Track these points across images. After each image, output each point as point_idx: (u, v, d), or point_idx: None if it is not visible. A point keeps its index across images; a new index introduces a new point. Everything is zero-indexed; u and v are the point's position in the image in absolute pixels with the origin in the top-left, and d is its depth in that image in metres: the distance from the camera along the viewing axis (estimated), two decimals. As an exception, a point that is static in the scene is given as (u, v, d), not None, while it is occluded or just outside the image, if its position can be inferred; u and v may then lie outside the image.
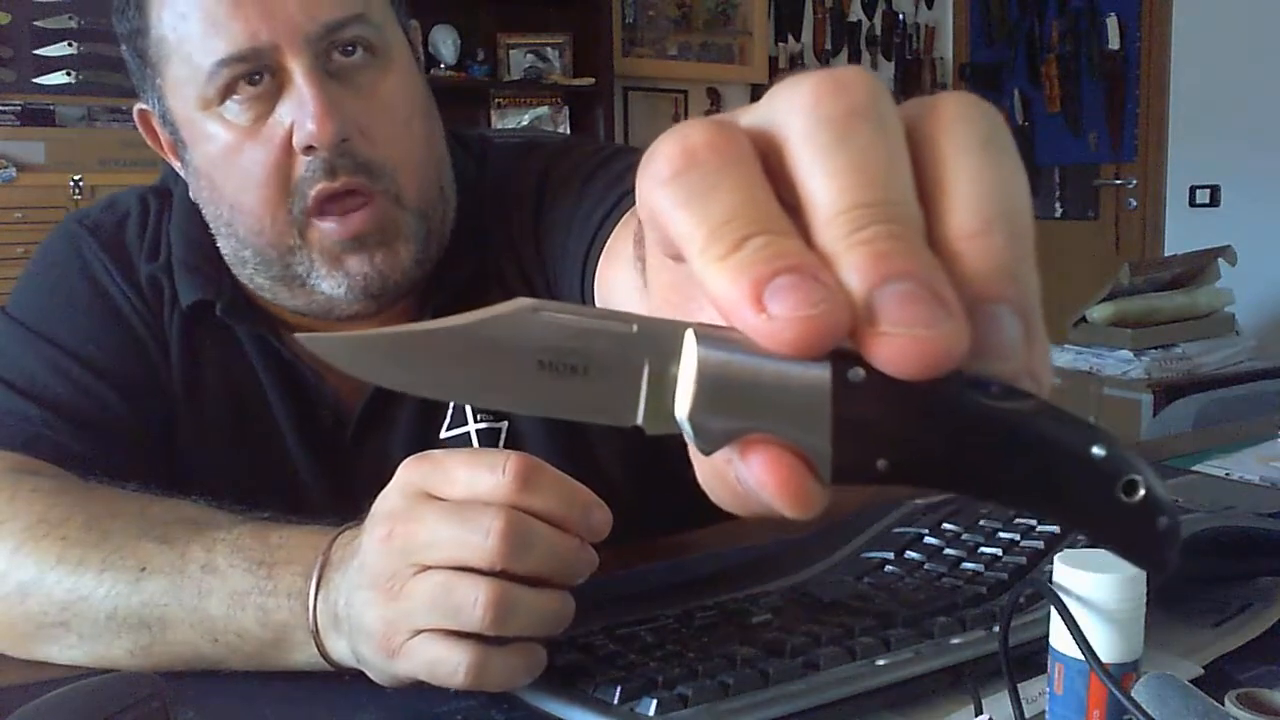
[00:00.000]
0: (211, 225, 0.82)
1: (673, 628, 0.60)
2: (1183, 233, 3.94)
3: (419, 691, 0.57)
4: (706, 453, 0.26)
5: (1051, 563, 0.51)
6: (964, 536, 0.71)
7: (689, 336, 0.26)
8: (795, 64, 4.39)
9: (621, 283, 0.61)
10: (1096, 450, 0.25)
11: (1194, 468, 1.05)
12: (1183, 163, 3.98)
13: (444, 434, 0.84)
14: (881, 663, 0.55)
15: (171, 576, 0.62)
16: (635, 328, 0.26)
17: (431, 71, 3.25)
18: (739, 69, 4.29)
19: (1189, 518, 0.66)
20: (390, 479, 0.57)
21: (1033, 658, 0.54)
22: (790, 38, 4.38)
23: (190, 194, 0.83)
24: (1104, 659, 0.47)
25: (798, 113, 0.26)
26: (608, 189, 0.80)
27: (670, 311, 0.29)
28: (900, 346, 0.24)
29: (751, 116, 0.27)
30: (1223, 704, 0.50)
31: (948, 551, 0.69)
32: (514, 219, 0.86)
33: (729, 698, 0.52)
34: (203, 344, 0.84)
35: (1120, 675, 0.48)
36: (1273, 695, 0.52)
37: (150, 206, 0.87)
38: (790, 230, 0.25)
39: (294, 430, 0.83)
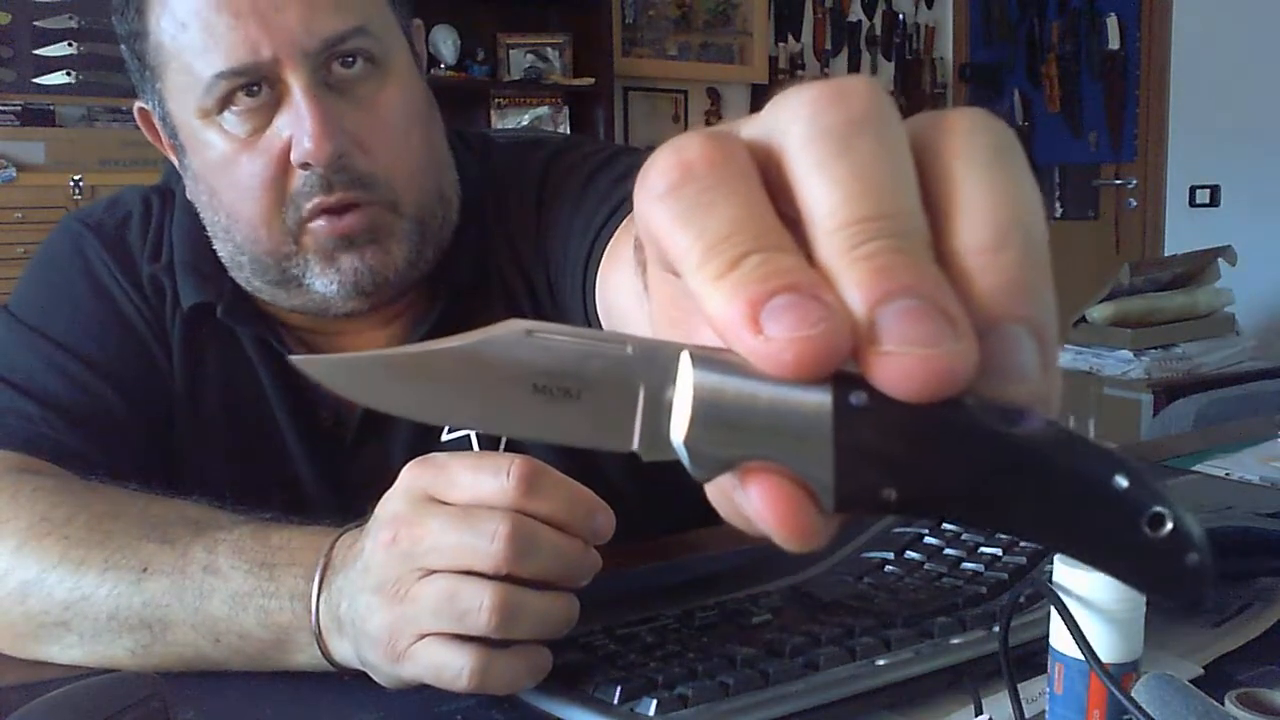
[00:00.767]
0: (209, 229, 0.82)
1: (673, 628, 0.60)
2: (1183, 233, 3.94)
3: (419, 691, 0.57)
4: (703, 480, 0.26)
5: (1051, 563, 0.51)
6: (964, 536, 0.71)
7: (684, 359, 0.25)
8: (795, 64, 4.39)
9: (623, 285, 0.61)
10: (1119, 480, 0.24)
11: (1194, 468, 1.05)
12: (1183, 163, 3.98)
13: (445, 437, 0.83)
14: (881, 663, 0.55)
15: (173, 577, 0.62)
16: (630, 349, 0.26)
17: (431, 71, 3.24)
18: (739, 69, 4.29)
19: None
20: (390, 481, 0.57)
21: (1033, 658, 0.54)
22: (790, 38, 4.38)
23: (189, 195, 0.83)
24: (1104, 659, 0.47)
25: (798, 122, 0.25)
26: (611, 189, 0.79)
27: (671, 325, 0.28)
28: (904, 366, 0.23)
29: (751, 127, 0.27)
30: (1223, 704, 0.50)
31: (948, 551, 0.69)
32: (514, 216, 0.86)
33: (729, 698, 0.52)
34: (204, 345, 0.83)
35: (1120, 675, 0.48)
36: (1273, 695, 0.52)
37: (153, 206, 0.87)
38: (789, 246, 0.24)
39: (294, 432, 0.83)
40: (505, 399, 0.26)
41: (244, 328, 0.83)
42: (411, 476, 0.56)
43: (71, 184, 2.86)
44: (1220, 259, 3.28)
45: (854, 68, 4.53)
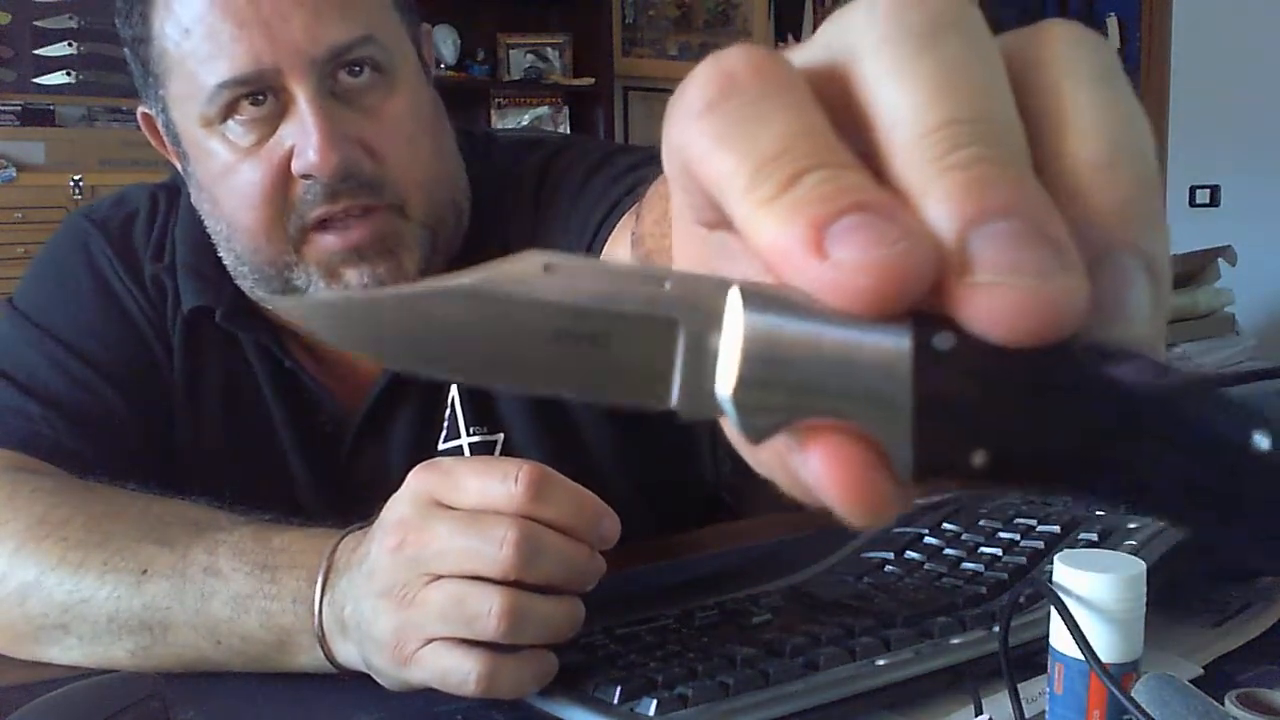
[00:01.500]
0: (213, 236, 0.81)
1: (673, 628, 0.60)
2: (1183, 233, 3.94)
3: (420, 692, 0.57)
4: (755, 442, 0.21)
5: (1051, 563, 0.51)
6: (964, 536, 0.70)
7: (733, 296, 0.21)
8: (795, 64, 4.39)
9: None
10: (1259, 440, 0.19)
11: (1194, 468, 1.05)
12: (1183, 163, 3.98)
13: (441, 445, 0.83)
14: (881, 663, 0.55)
15: (173, 579, 0.61)
16: (668, 285, 0.21)
17: (432, 72, 3.24)
18: (739, 69, 4.29)
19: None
20: (387, 488, 0.57)
21: (1033, 658, 0.54)
22: (790, 38, 4.38)
23: (193, 202, 0.82)
24: (1104, 659, 0.47)
25: (869, 28, 0.21)
26: (609, 185, 0.79)
27: None
28: (1003, 301, 0.19)
29: (808, 49, 0.22)
30: (1223, 704, 0.50)
31: (948, 551, 0.69)
32: (512, 216, 0.85)
33: (729, 698, 0.52)
34: (204, 347, 0.83)
35: (1120, 675, 0.48)
36: (1273, 695, 0.52)
37: (159, 204, 0.87)
38: (855, 163, 0.20)
39: (292, 437, 0.83)
40: (521, 347, 0.21)
41: (244, 333, 0.83)
42: (418, 480, 0.55)
43: (71, 184, 2.86)
44: (1220, 259, 3.28)
45: (854, 68, 4.53)
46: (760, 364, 0.20)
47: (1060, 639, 0.49)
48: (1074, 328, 0.19)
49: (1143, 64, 4.07)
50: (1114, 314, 0.20)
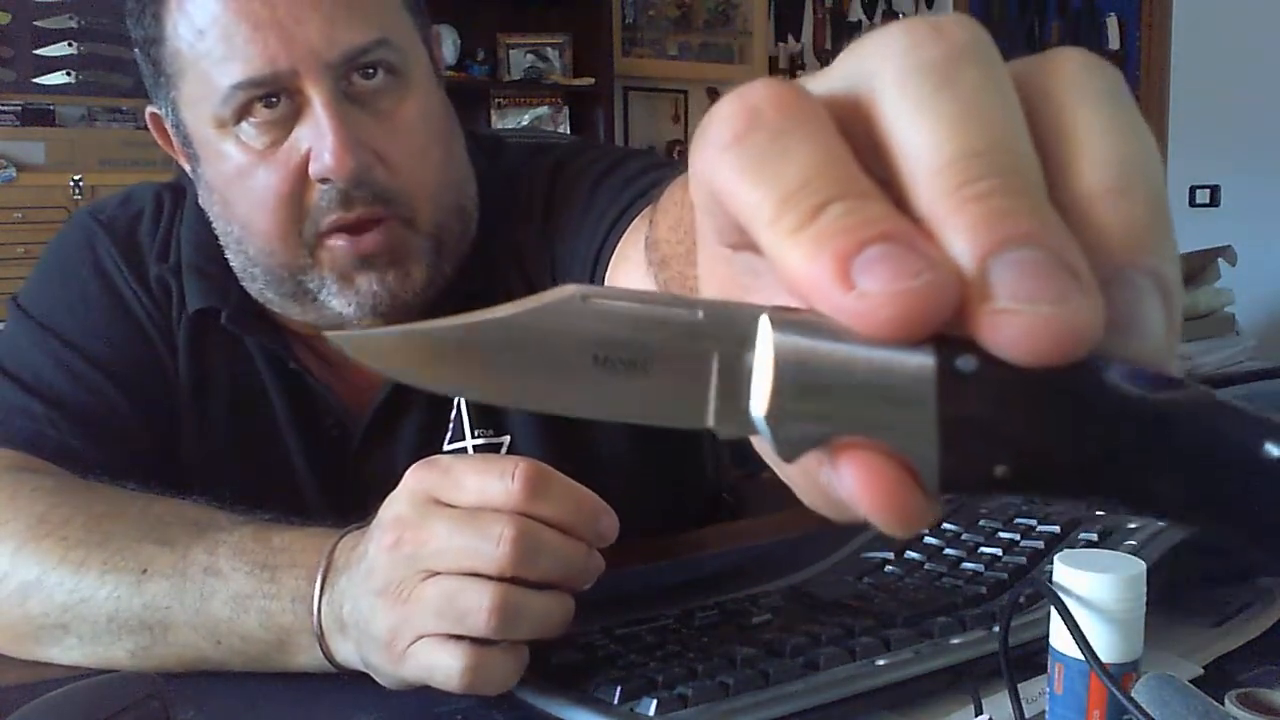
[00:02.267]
0: (221, 239, 0.80)
1: (673, 628, 0.60)
2: (1183, 233, 3.89)
3: (419, 691, 0.57)
4: (788, 459, 0.22)
5: (1051, 563, 0.51)
6: (964, 536, 0.70)
7: (764, 322, 0.22)
8: (795, 64, 4.39)
9: (633, 286, 0.61)
10: (1270, 449, 0.20)
11: (1194, 468, 1.05)
12: (1183, 163, 3.98)
13: (446, 447, 0.83)
14: (881, 663, 0.55)
15: (173, 579, 0.61)
16: (701, 314, 0.23)
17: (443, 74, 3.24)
18: (739, 69, 4.29)
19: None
20: (394, 490, 0.57)
21: (1033, 658, 0.54)
22: (790, 38, 4.38)
23: (200, 203, 0.82)
24: (1104, 659, 0.47)
25: (888, 60, 0.22)
26: (620, 191, 0.78)
27: None
28: (1024, 327, 0.20)
29: (826, 79, 0.24)
30: (1223, 704, 0.50)
31: (948, 551, 0.69)
32: (521, 223, 0.85)
33: (729, 698, 0.52)
34: (209, 349, 0.83)
35: (1120, 675, 0.48)
36: (1273, 695, 0.52)
37: (164, 204, 0.86)
38: (878, 194, 0.21)
39: (298, 440, 0.83)
40: (564, 373, 0.23)
41: (249, 336, 0.82)
42: (416, 479, 0.55)
43: (71, 184, 2.86)
44: (1220, 259, 3.28)
45: (854, 68, 4.53)
46: (792, 385, 0.22)
47: (1060, 639, 0.49)
48: (1090, 348, 0.20)
49: (1143, 64, 4.07)
50: (1127, 332, 0.21)
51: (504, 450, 0.83)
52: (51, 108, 2.99)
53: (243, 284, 0.81)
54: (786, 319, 0.22)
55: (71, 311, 0.82)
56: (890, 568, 0.69)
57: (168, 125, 0.80)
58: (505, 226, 0.85)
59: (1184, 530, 0.64)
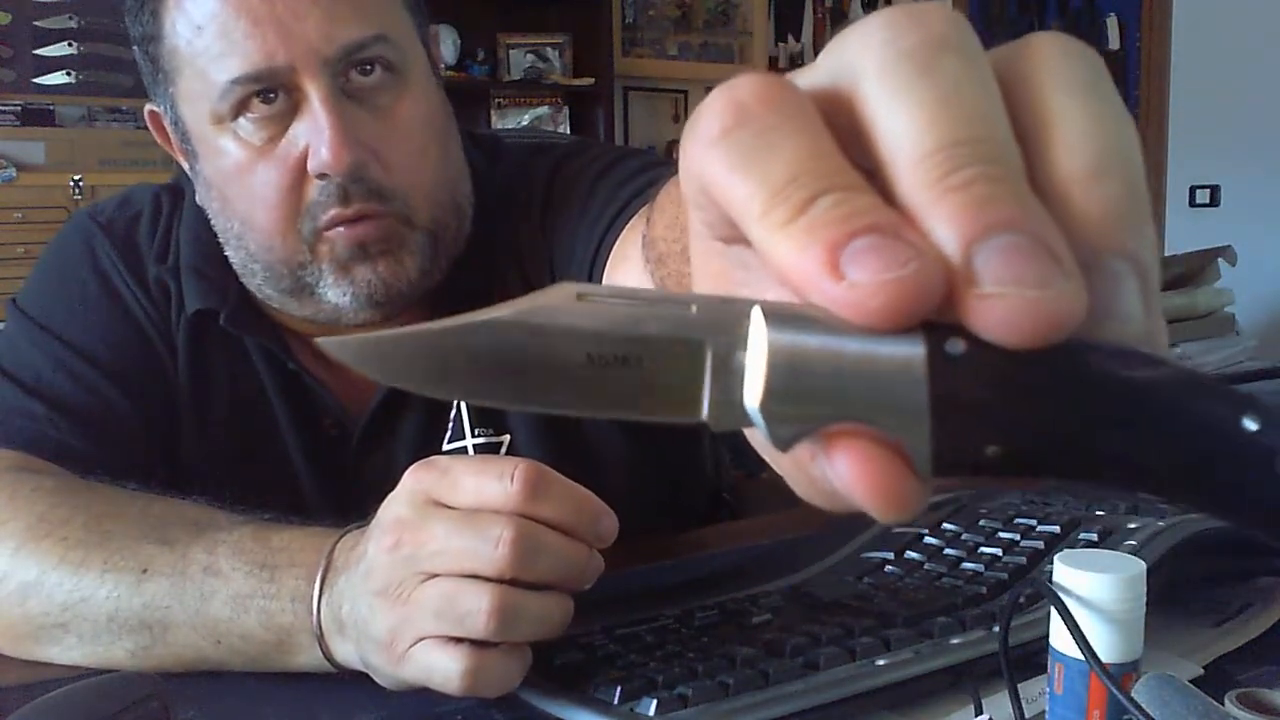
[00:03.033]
0: (220, 235, 0.81)
1: (673, 628, 0.60)
2: (1183, 233, 3.94)
3: (419, 692, 0.57)
4: (783, 449, 0.23)
5: (1051, 563, 0.51)
6: (964, 536, 0.70)
7: (756, 315, 0.22)
8: (795, 64, 4.39)
9: (630, 283, 0.61)
10: (1248, 423, 0.21)
11: (1194, 468, 1.05)
12: (1183, 163, 3.98)
13: (446, 446, 0.83)
14: (881, 663, 0.55)
15: (173, 579, 0.61)
16: (694, 309, 0.23)
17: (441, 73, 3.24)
18: (739, 69, 4.27)
19: (1189, 518, 0.66)
20: (393, 490, 0.57)
21: (1033, 658, 0.54)
22: (790, 38, 4.38)
23: (198, 200, 0.82)
24: (1104, 659, 0.47)
25: (870, 50, 0.23)
26: (617, 190, 0.79)
27: None
28: (1009, 309, 0.21)
29: (812, 73, 0.24)
30: (1223, 704, 0.50)
31: (948, 551, 0.69)
32: (520, 223, 0.85)
33: (729, 698, 0.52)
34: (208, 349, 0.83)
35: (1120, 675, 0.48)
36: (1273, 695, 0.52)
37: (163, 206, 0.87)
38: (864, 185, 0.22)
39: (297, 439, 0.83)
40: (558, 371, 0.23)
41: (248, 336, 0.83)
42: (415, 480, 0.55)
43: (71, 184, 2.86)
44: (1220, 259, 3.28)
45: (854, 68, 4.53)
46: (785, 376, 0.22)
47: (1060, 639, 0.49)
48: (1074, 329, 0.21)
49: (1143, 64, 4.08)
50: (1107, 314, 0.22)
51: (504, 449, 0.83)
52: (51, 108, 2.99)
53: (242, 280, 0.82)
54: (778, 311, 0.22)
55: (71, 312, 0.82)
56: (890, 568, 0.69)
57: (166, 123, 0.80)
58: (505, 226, 0.85)
59: (1183, 534, 0.64)
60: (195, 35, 0.72)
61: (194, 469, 0.81)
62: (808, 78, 0.24)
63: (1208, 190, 3.89)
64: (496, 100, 3.62)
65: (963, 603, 0.62)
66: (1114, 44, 4.15)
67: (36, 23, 2.98)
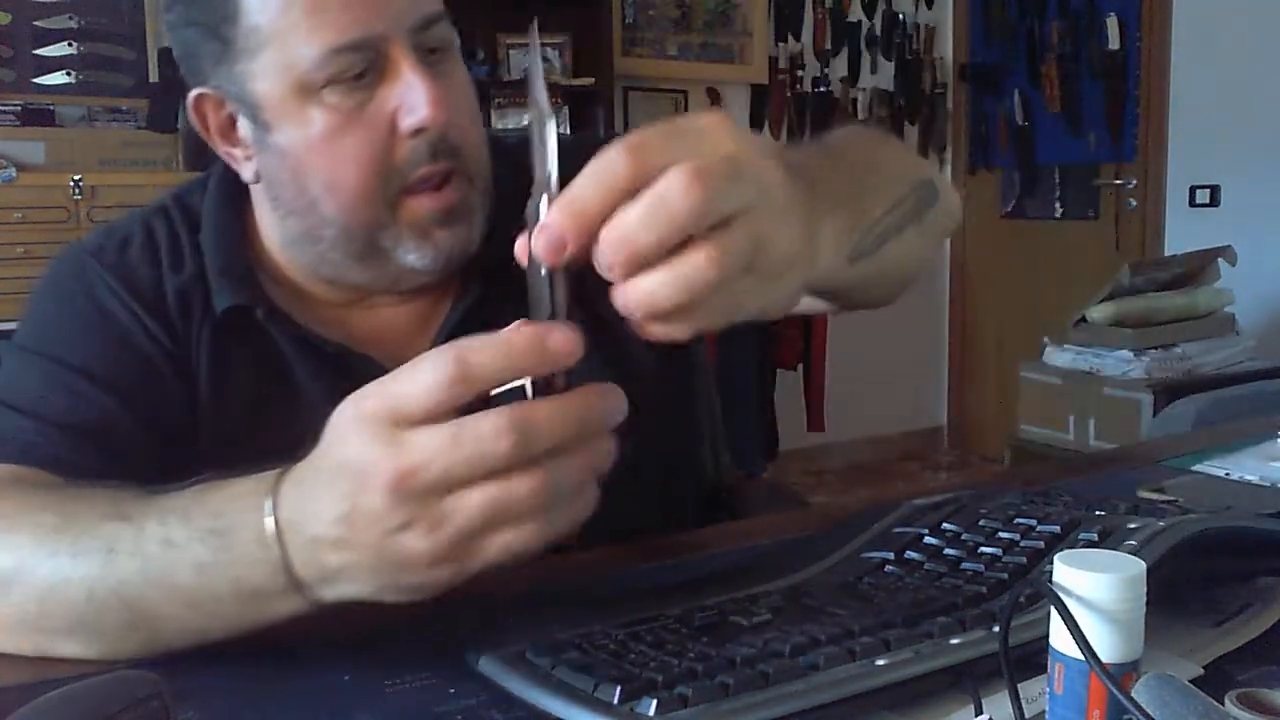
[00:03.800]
0: (282, 205, 0.84)
1: (673, 628, 0.60)
2: (1183, 233, 3.94)
3: (419, 691, 0.57)
4: None
5: (1051, 563, 0.51)
6: (964, 536, 0.70)
7: None
8: (795, 64, 4.39)
9: None
10: None
11: (1194, 468, 1.05)
12: (1183, 163, 3.98)
13: (494, 391, 0.85)
14: (881, 663, 0.55)
15: (136, 557, 0.61)
16: None
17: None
18: (739, 69, 4.29)
19: (1189, 518, 0.66)
20: (332, 433, 0.56)
21: (1033, 658, 0.54)
22: (790, 38, 4.38)
23: (260, 175, 0.83)
24: (1104, 659, 0.47)
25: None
26: None
27: None
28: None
29: None
30: (1223, 704, 0.50)
31: (948, 551, 0.69)
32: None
33: (729, 698, 0.52)
34: (232, 349, 0.85)
35: (1120, 675, 0.48)
36: (1273, 695, 0.52)
37: (156, 227, 0.89)
38: None
39: None
40: None
41: (281, 327, 0.85)
42: (356, 410, 0.54)
43: (71, 184, 2.86)
44: (1220, 259, 3.28)
45: (854, 68, 4.53)
46: None
47: (1060, 639, 0.49)
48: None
49: (1143, 64, 4.08)
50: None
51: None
52: (51, 108, 2.99)
53: (292, 254, 0.85)
54: None
55: (65, 336, 0.83)
56: (890, 568, 0.69)
57: (213, 103, 0.83)
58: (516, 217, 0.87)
59: (1183, 534, 0.64)
60: (283, 11, 0.76)
61: (220, 468, 0.82)
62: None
63: (1208, 190, 3.89)
64: (496, 100, 3.62)
65: (963, 603, 0.62)
66: (1114, 44, 4.15)
67: (36, 23, 2.98)
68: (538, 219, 0.52)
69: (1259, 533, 0.68)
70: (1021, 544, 0.68)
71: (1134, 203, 4.15)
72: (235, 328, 0.85)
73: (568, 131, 3.62)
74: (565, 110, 3.70)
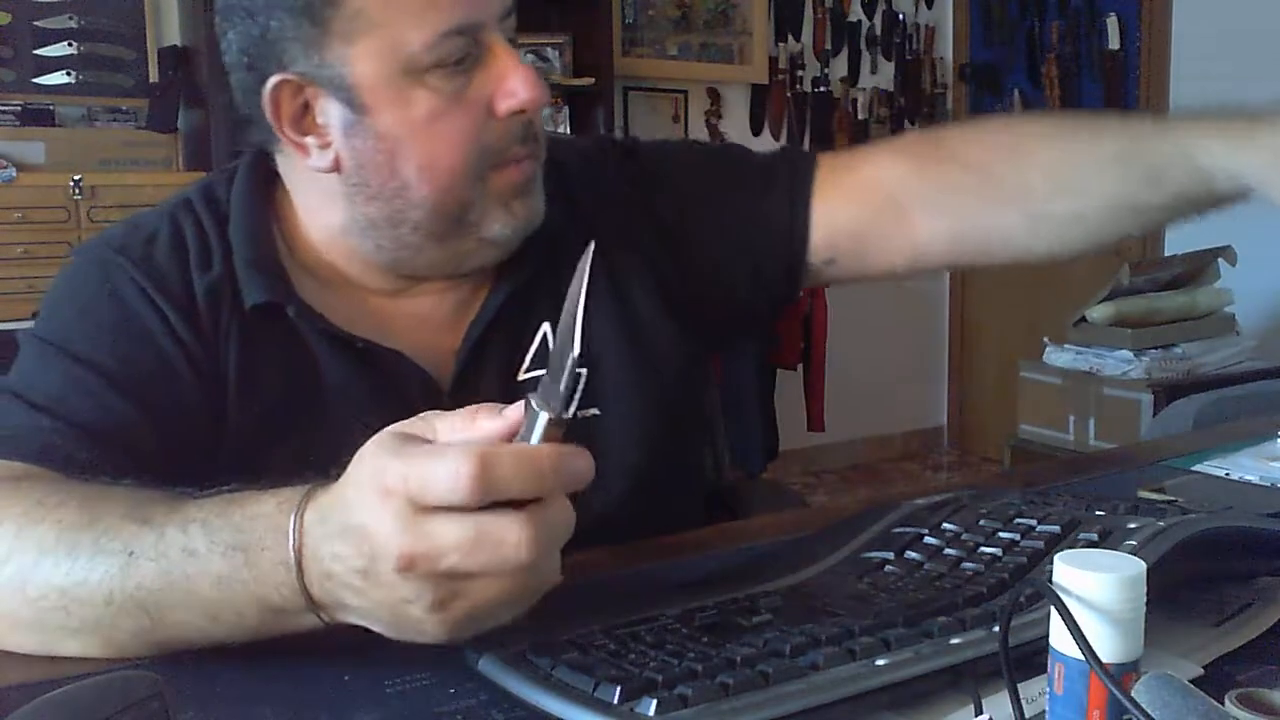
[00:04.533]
0: (363, 192, 0.84)
1: (673, 628, 0.60)
2: (1183, 233, 3.94)
3: (419, 691, 0.57)
4: None
5: (1051, 563, 0.51)
6: (964, 536, 0.71)
7: None
8: (795, 64, 4.39)
9: None
10: None
11: (1194, 468, 1.05)
12: (1183, 163, 3.97)
13: (523, 376, 0.90)
14: (881, 663, 0.55)
15: (158, 562, 0.62)
16: None
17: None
18: (739, 69, 4.29)
19: (1189, 518, 0.66)
20: (358, 484, 0.57)
21: (1033, 658, 0.54)
22: (790, 38, 4.38)
23: (324, 165, 0.84)
24: (1104, 659, 0.47)
25: None
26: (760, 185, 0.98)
27: None
28: None
29: None
30: (1223, 704, 0.50)
31: (948, 551, 0.69)
32: (593, 201, 0.96)
33: (729, 698, 0.52)
34: (260, 345, 0.85)
35: (1120, 675, 0.48)
36: (1273, 695, 0.52)
37: (182, 223, 0.88)
38: None
39: (379, 413, 0.83)
40: None
41: (311, 322, 0.85)
42: (378, 479, 0.55)
43: (71, 184, 2.86)
44: (1220, 259, 3.28)
45: (854, 67, 4.53)
46: None
47: (1060, 639, 0.49)
48: None
49: (1143, 64, 4.08)
50: None
51: (581, 380, 0.91)
52: (51, 108, 2.99)
53: (369, 236, 0.86)
54: None
55: (85, 334, 0.83)
56: (890, 568, 0.69)
57: (305, 90, 0.82)
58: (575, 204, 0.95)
59: (1183, 534, 0.64)
60: None
61: (247, 466, 0.82)
62: None
63: (1208, 190, 3.89)
64: (496, 100, 3.61)
65: (963, 603, 0.62)
66: (1114, 44, 4.15)
67: (36, 23, 2.98)
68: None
69: (1259, 533, 0.68)
70: (1021, 544, 0.68)
71: (1134, 203, 4.14)
72: (263, 322, 0.85)
73: (568, 131, 3.62)
74: (566, 110, 3.70)
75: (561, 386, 0.54)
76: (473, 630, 0.57)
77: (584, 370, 0.55)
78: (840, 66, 4.51)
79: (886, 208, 0.96)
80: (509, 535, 0.53)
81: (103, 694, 0.48)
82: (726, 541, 0.88)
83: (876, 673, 0.54)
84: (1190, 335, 3.21)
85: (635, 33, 4.06)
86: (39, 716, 0.46)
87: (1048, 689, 0.50)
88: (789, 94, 4.38)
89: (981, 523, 0.72)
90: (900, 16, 4.61)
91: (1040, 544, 0.68)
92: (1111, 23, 4.14)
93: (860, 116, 4.55)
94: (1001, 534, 0.70)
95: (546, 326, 0.91)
